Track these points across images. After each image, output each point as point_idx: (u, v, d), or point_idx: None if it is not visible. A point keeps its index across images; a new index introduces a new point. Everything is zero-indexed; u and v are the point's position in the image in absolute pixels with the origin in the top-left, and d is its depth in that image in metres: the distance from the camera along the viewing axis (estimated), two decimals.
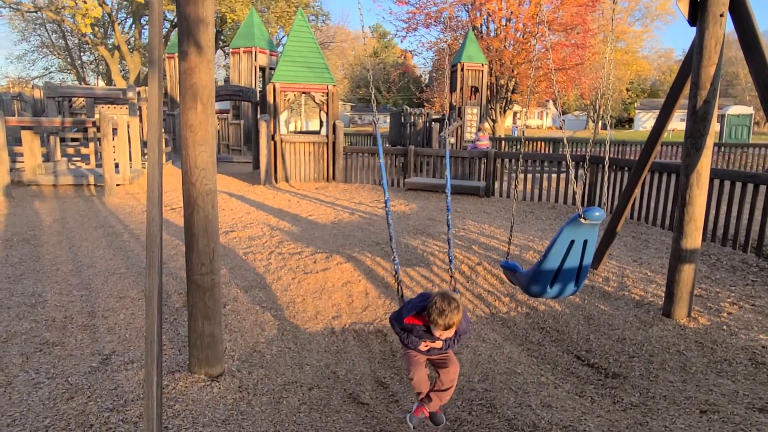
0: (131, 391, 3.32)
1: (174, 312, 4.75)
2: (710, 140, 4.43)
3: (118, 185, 10.99)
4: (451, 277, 3.09)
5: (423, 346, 2.73)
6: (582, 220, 3.55)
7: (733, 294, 5.17)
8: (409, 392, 3.88)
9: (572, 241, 3.61)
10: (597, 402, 3.59)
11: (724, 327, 4.44)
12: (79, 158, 13.70)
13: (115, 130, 10.85)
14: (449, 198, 3.15)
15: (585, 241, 3.66)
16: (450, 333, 2.56)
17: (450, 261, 3.12)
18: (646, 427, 3.11)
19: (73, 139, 15.16)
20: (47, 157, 12.40)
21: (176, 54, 18.70)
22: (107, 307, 4.73)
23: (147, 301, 2.30)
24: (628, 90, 53.66)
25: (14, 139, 12.61)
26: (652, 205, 8.21)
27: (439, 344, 2.70)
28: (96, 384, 3.39)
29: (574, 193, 10.15)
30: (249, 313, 4.80)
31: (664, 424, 3.13)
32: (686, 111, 4.48)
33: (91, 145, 13.17)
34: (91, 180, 11.29)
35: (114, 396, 3.25)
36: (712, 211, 6.91)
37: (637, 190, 5.68)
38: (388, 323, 4.90)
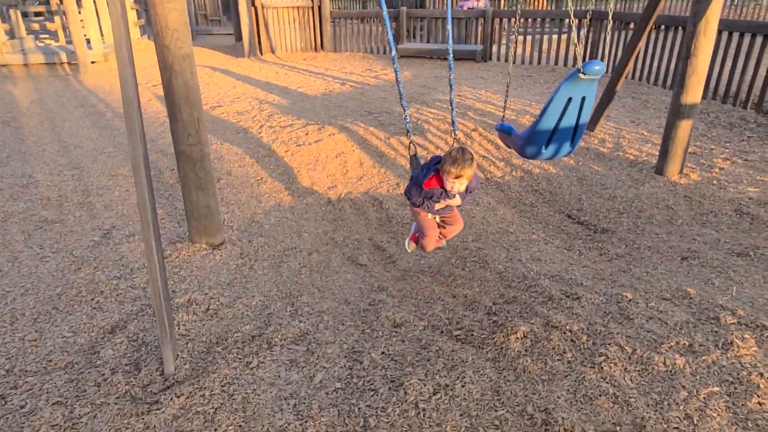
0: (136, 261, 3.48)
1: (169, 188, 4.82)
2: None
3: (93, 62, 10.52)
4: (454, 140, 2.91)
5: (439, 206, 2.81)
6: (581, 75, 3.46)
7: (727, 150, 5.24)
8: (404, 255, 4.09)
9: (570, 99, 3.55)
10: (584, 254, 3.80)
11: (714, 182, 4.56)
12: (46, 35, 12.94)
13: (79, 1, 10.12)
14: (451, 55, 2.96)
15: (583, 98, 3.59)
16: (462, 186, 2.59)
17: (453, 123, 2.91)
18: (629, 273, 3.33)
19: (36, 14, 14.18)
20: (11, 34, 11.70)
21: None
22: (100, 185, 4.79)
23: (134, 169, 2.31)
24: None
25: None
26: (655, 63, 7.97)
27: (456, 201, 2.75)
28: (101, 256, 3.54)
29: (575, 53, 9.79)
30: (244, 187, 4.88)
31: (646, 270, 3.35)
32: None
33: (57, 19, 12.36)
34: (64, 57, 10.78)
35: (120, 266, 3.42)
36: (716, 69, 6.73)
37: (641, 44, 5.48)
38: (383, 191, 5.01)
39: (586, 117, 3.72)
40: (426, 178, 2.69)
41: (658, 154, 4.97)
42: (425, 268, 3.77)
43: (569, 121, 3.66)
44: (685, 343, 2.39)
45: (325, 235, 4.22)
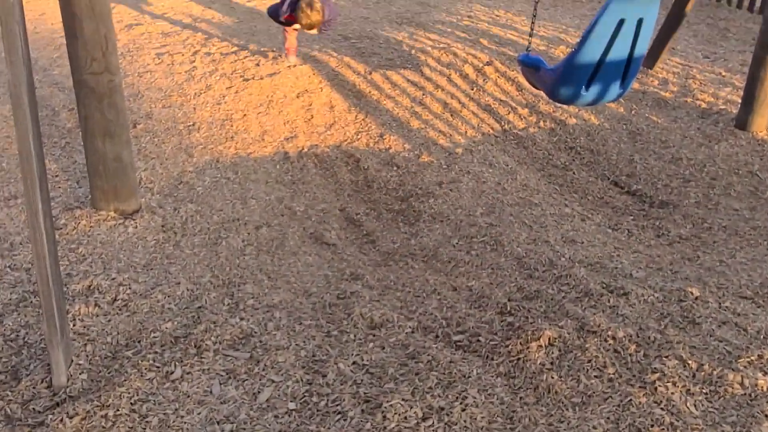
0: (17, 233, 3.40)
1: (66, 134, 4.71)
2: None
3: None
4: None
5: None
6: None
7: None
8: (388, 233, 4.05)
9: (621, 21, 3.51)
10: (635, 235, 3.80)
11: None
12: None
13: None
14: None
15: (640, 21, 3.55)
16: (317, 30, 4.96)
17: None
18: (695, 262, 3.33)
19: None
20: None
21: None
22: None
23: (14, 105, 2.22)
24: None
25: None
26: None
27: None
28: None
29: None
30: (170, 134, 4.78)
31: (719, 258, 3.35)
32: None
33: None
34: None
35: None
36: None
37: None
38: (361, 145, 4.97)
39: (643, 48, 3.69)
40: (284, 14, 4.94)
41: (740, 101, 4.95)
42: (416, 251, 3.74)
43: (620, 52, 3.63)
44: None
45: (279, 203, 4.17)
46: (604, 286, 3.00)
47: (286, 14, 5.00)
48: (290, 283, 3.26)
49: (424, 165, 4.68)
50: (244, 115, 5.21)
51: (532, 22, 4.34)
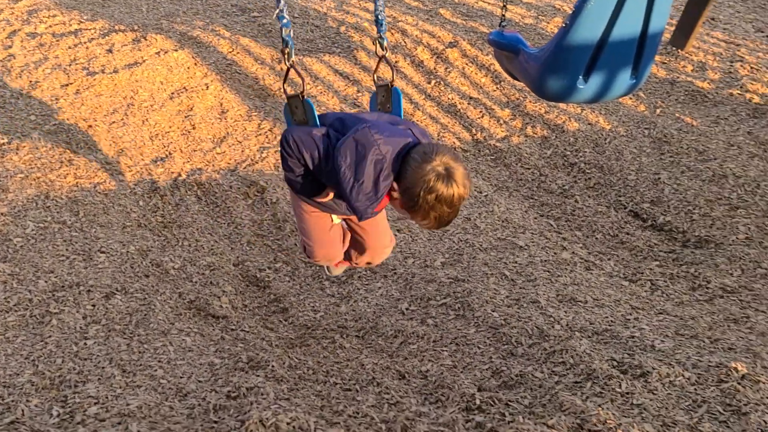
0: None
1: None
2: None
3: None
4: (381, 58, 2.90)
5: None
6: None
7: None
8: (308, 295, 4.04)
9: None
10: (661, 289, 3.85)
11: None
12: None
13: None
14: None
15: None
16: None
17: (379, 24, 2.84)
18: (743, 325, 3.39)
19: None
20: None
21: None
22: None
23: None
24: None
25: None
26: None
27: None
28: None
29: None
30: None
31: None
32: None
33: None
34: None
35: None
36: None
37: None
38: (267, 167, 4.94)
39: (661, 20, 3.79)
40: (380, 182, 2.40)
41: None
42: (348, 322, 3.75)
43: (629, 27, 3.73)
44: None
45: (143, 258, 4.12)
46: (615, 364, 3.02)
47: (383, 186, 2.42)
48: (156, 378, 3.20)
49: None
50: (90, 126, 5.16)
51: None
